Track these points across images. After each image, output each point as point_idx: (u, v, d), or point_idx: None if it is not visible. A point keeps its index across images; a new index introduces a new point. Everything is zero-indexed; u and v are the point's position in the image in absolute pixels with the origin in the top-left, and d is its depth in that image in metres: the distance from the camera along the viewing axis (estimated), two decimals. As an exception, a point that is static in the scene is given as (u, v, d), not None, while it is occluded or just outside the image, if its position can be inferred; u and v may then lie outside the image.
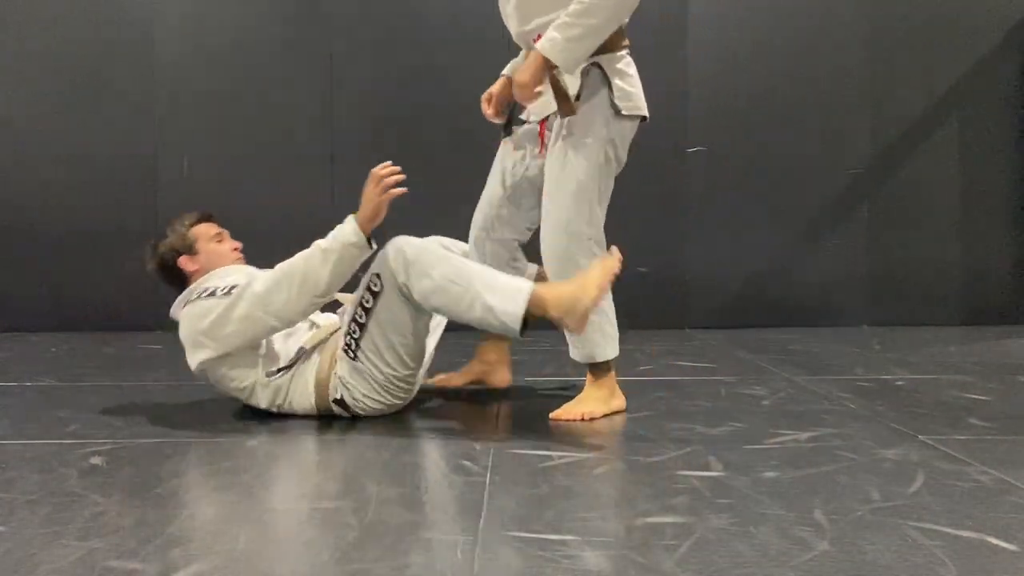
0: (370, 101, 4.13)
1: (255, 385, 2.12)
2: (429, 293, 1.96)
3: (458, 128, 3.98)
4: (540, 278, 2.33)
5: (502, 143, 2.39)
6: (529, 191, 2.31)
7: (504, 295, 1.93)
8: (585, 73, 2.10)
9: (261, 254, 2.39)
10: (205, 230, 2.28)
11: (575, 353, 2.19)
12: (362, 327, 2.04)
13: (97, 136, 4.11)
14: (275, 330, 2.08)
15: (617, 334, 2.20)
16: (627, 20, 2.15)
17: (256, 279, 2.05)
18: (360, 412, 2.12)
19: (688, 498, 1.46)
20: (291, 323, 2.09)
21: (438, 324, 2.42)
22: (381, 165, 2.05)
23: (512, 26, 2.23)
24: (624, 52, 2.17)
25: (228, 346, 2.06)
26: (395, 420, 2.12)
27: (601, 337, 2.15)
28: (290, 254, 2.07)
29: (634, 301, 3.57)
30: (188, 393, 2.50)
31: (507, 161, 2.35)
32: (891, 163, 4.22)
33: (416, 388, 2.24)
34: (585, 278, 1.95)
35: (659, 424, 2.04)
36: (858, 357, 3.16)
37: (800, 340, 3.64)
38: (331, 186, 4.09)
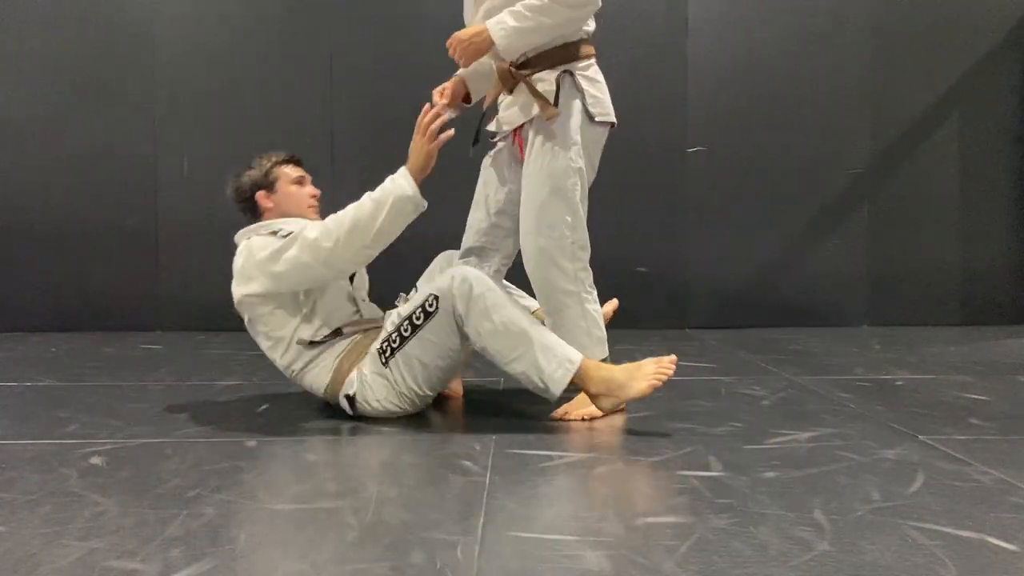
0: (370, 101, 4.14)
1: (284, 340, 2.14)
2: (485, 333, 1.97)
3: (458, 128, 3.97)
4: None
5: (483, 169, 2.39)
6: (514, 214, 2.29)
7: (557, 361, 1.97)
8: (559, 81, 2.12)
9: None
10: (289, 171, 2.29)
11: None
12: (404, 339, 2.05)
13: (97, 136, 4.11)
14: (324, 278, 2.09)
15: (605, 335, 2.21)
16: (594, 27, 2.19)
17: (310, 226, 2.07)
18: (366, 413, 2.12)
19: (688, 498, 1.46)
20: (340, 272, 2.10)
21: None
22: (424, 111, 2.06)
23: (467, 16, 2.27)
24: (592, 60, 2.20)
25: (277, 285, 2.07)
26: (395, 420, 2.12)
27: (588, 339, 2.15)
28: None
29: (634, 301, 3.57)
30: (188, 393, 2.51)
31: (489, 188, 2.35)
32: (891, 163, 4.22)
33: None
34: (638, 369, 1.99)
35: (659, 424, 2.04)
36: (858, 357, 3.16)
37: (800, 340, 3.64)
38: (331, 186, 4.08)
